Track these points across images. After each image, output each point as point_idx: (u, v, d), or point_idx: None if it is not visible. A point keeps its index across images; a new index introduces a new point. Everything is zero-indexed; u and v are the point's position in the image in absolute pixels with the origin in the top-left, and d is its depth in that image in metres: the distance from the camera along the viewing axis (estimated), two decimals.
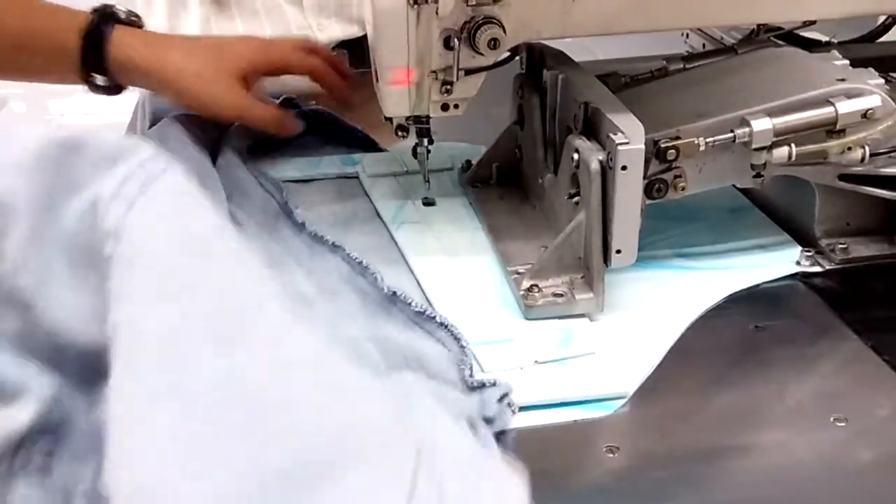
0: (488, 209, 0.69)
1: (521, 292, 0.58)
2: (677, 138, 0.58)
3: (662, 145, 0.57)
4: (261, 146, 0.78)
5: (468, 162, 0.74)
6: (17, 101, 3.17)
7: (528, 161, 0.70)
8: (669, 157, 0.57)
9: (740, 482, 0.46)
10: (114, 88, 0.71)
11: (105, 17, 0.69)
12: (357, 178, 0.77)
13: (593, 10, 0.57)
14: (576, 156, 0.57)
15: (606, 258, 0.57)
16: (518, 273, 0.60)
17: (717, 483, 0.46)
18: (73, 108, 2.83)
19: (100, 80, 0.69)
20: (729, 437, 0.49)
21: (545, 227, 0.65)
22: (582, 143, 0.57)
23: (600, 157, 0.55)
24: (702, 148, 0.57)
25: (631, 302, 0.59)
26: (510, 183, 0.72)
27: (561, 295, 0.58)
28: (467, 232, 0.68)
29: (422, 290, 0.61)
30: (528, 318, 0.57)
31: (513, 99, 0.70)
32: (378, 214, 0.71)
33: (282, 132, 0.76)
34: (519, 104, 0.69)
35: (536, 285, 0.58)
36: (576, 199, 0.58)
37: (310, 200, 0.72)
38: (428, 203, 0.72)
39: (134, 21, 0.71)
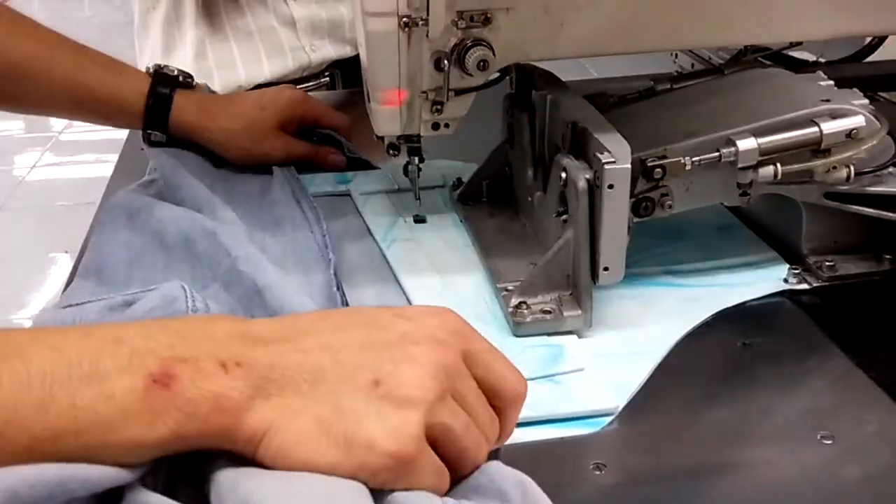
0: (478, 226, 0.70)
1: (510, 309, 0.58)
2: (664, 157, 0.58)
3: (649, 164, 0.58)
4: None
5: (459, 180, 0.75)
6: (15, 118, 3.18)
7: (517, 179, 0.70)
8: (656, 176, 0.58)
9: (727, 500, 0.46)
10: (168, 143, 0.79)
11: (163, 80, 0.77)
12: (349, 195, 0.77)
13: (581, 33, 0.57)
14: (564, 174, 0.58)
15: (594, 275, 0.58)
16: (507, 290, 0.60)
17: (704, 501, 0.46)
18: (73, 123, 2.84)
19: (157, 136, 0.78)
20: (716, 455, 0.49)
21: (534, 244, 0.65)
22: (570, 161, 0.58)
23: (588, 176, 0.56)
24: (688, 167, 0.58)
25: (619, 319, 0.59)
26: (500, 200, 0.72)
27: (549, 312, 0.58)
28: (457, 249, 0.68)
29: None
30: (516, 335, 0.58)
31: (503, 118, 0.71)
32: (370, 232, 0.71)
33: (326, 165, 0.82)
34: (508, 123, 0.70)
35: (525, 302, 0.58)
36: (564, 217, 0.59)
37: None
38: (419, 220, 0.72)
39: (188, 82, 0.79)
